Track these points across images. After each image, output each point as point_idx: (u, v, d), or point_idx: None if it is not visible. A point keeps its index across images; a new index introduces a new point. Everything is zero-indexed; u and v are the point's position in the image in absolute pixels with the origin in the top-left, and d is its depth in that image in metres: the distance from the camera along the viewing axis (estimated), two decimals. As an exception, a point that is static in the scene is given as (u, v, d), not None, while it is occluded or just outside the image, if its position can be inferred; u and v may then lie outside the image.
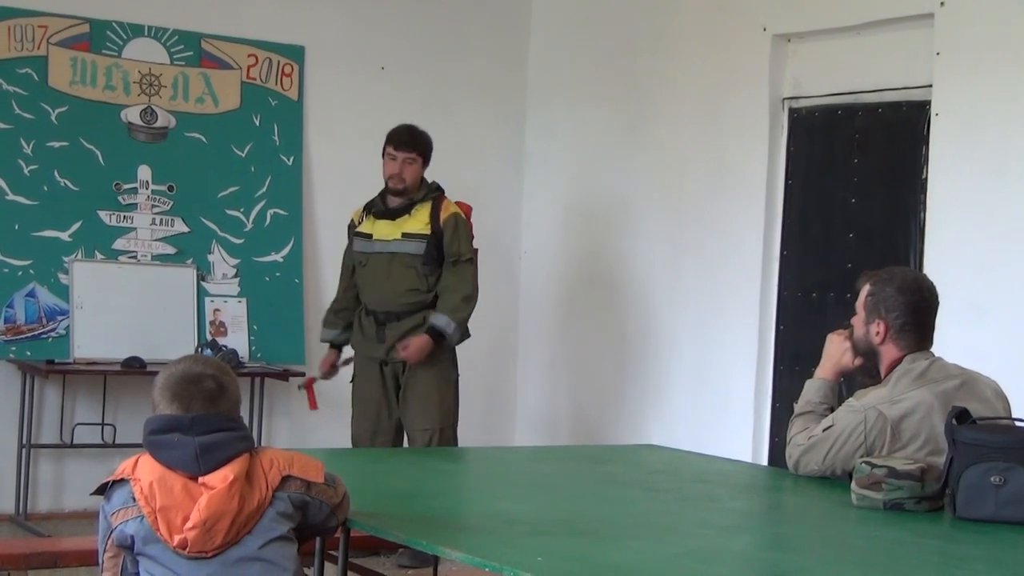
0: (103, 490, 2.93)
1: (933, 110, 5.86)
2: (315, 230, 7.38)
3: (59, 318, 6.67)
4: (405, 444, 6.24)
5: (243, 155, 7.22)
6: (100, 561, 2.98)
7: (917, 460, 3.55)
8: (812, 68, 6.53)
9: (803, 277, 6.53)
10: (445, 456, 4.89)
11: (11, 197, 6.68)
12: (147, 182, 6.99)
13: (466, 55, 7.86)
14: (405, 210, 6.17)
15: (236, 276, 7.15)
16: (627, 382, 7.34)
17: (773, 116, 6.62)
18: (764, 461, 6.45)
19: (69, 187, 6.81)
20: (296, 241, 7.31)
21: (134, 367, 6.52)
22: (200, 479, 2.86)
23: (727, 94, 6.78)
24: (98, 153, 6.89)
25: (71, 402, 6.80)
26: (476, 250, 6.24)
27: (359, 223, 6.27)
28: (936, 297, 3.86)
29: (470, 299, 6.15)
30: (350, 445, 6.27)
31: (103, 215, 6.88)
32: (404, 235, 6.14)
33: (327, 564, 3.43)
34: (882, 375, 3.83)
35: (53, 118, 6.79)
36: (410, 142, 6.14)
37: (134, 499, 2.85)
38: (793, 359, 6.50)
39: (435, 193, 6.22)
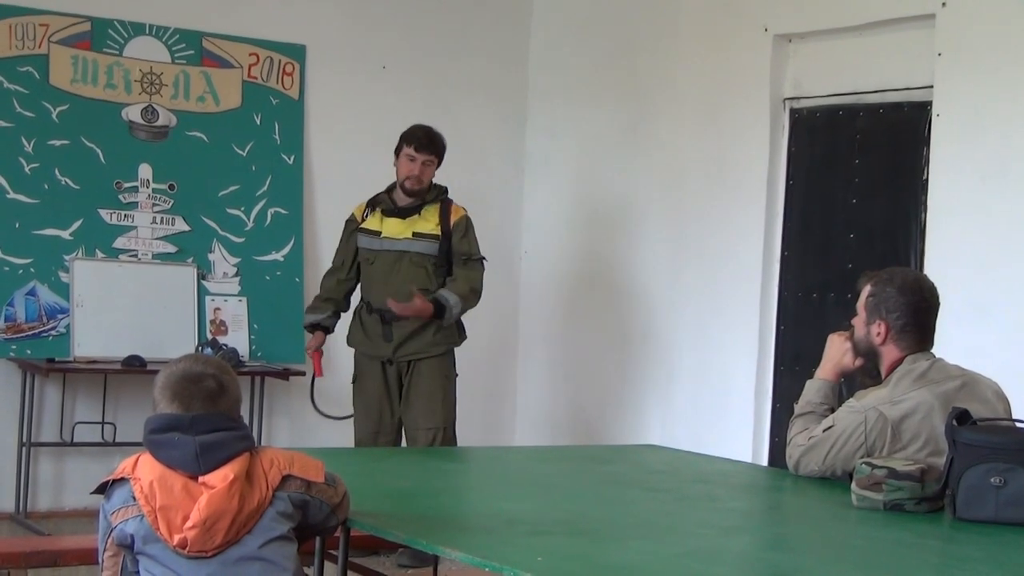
0: (103, 489, 2.93)
1: (934, 111, 5.85)
2: (316, 229, 7.38)
3: (59, 316, 6.67)
4: (403, 443, 6.25)
5: (244, 154, 7.22)
6: (100, 560, 2.98)
7: (917, 461, 3.55)
8: (813, 68, 6.53)
9: (803, 277, 6.53)
10: (445, 456, 4.90)
11: (12, 195, 6.68)
12: (148, 181, 6.99)
13: (467, 55, 7.86)
14: (415, 210, 6.18)
15: (237, 275, 7.15)
16: (627, 382, 7.35)
17: (774, 116, 6.62)
18: (764, 461, 6.45)
19: (70, 185, 6.81)
20: (297, 240, 7.31)
21: (134, 366, 6.52)
22: (200, 478, 2.85)
23: (728, 94, 6.78)
24: (99, 152, 6.89)
25: (71, 401, 6.80)
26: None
27: (363, 219, 6.27)
28: (937, 298, 3.86)
29: (477, 294, 6.19)
30: (350, 445, 6.27)
31: (104, 214, 6.88)
32: (415, 234, 6.15)
33: (327, 563, 3.43)
34: (883, 376, 3.83)
35: (54, 116, 6.79)
36: (431, 145, 6.17)
37: (134, 498, 2.85)
38: (793, 359, 6.50)
39: (443, 195, 6.24)
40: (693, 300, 6.96)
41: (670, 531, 3.25)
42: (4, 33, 6.69)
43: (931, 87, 5.89)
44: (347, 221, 6.37)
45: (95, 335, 6.64)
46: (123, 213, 6.93)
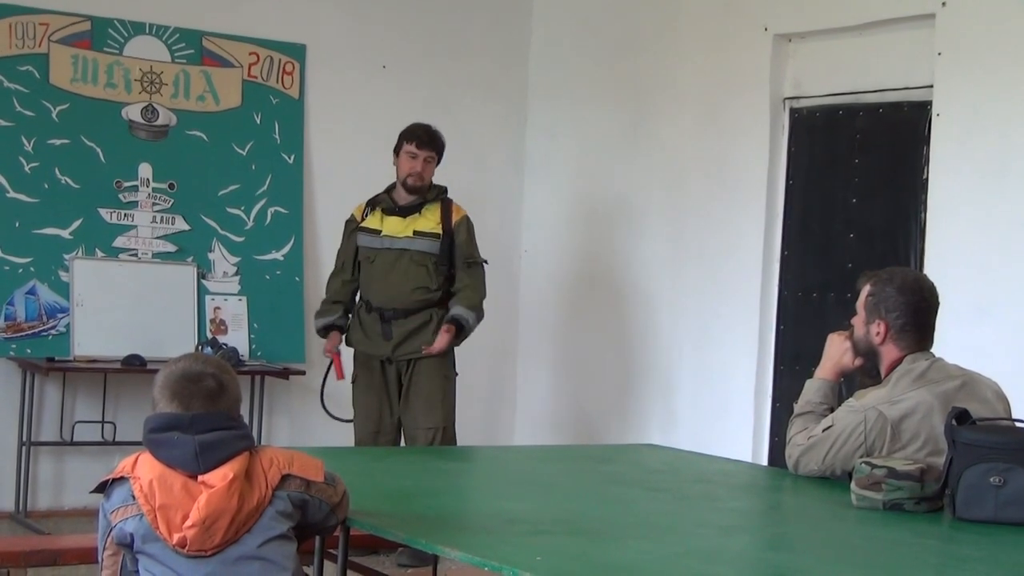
0: (103, 488, 2.93)
1: (934, 110, 5.85)
2: (316, 228, 7.38)
3: (59, 316, 6.67)
4: (403, 443, 6.25)
5: (244, 153, 7.22)
6: (100, 559, 2.98)
7: (917, 461, 3.55)
8: (813, 68, 6.53)
9: (803, 277, 6.53)
10: (445, 455, 4.89)
11: (12, 195, 6.68)
12: (148, 180, 6.99)
13: (467, 54, 7.86)
14: (415, 208, 6.19)
15: (236, 274, 7.15)
16: (627, 382, 7.35)
17: (774, 116, 6.62)
18: (764, 461, 6.45)
19: (70, 185, 6.81)
20: (297, 239, 7.31)
21: (134, 365, 6.52)
22: (200, 478, 2.85)
23: (728, 94, 6.78)
24: (99, 151, 6.89)
25: (71, 400, 6.80)
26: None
27: (362, 219, 6.27)
28: (936, 297, 3.86)
29: (483, 302, 6.23)
30: (350, 444, 6.26)
31: (104, 213, 6.88)
32: (416, 233, 6.16)
33: (327, 563, 3.43)
34: (882, 375, 3.83)
35: (54, 116, 6.79)
36: (431, 142, 6.18)
37: (134, 497, 2.85)
38: (793, 359, 6.50)
39: (443, 194, 6.25)
40: (693, 300, 6.96)
41: (670, 531, 3.25)
42: (4, 32, 6.69)
43: (931, 87, 5.89)
44: (347, 222, 6.37)
45: (95, 334, 6.64)
46: (123, 212, 6.93)
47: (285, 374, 6.98)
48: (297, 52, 7.39)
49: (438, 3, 7.78)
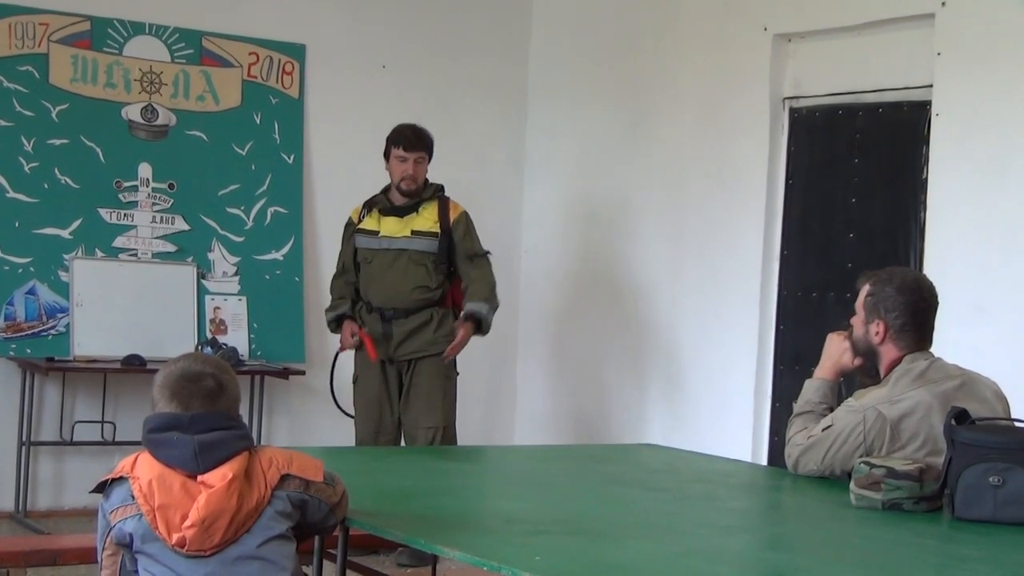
0: (102, 488, 2.93)
1: (934, 110, 5.85)
2: (315, 228, 7.38)
3: (59, 316, 6.67)
4: (402, 442, 6.25)
5: (244, 153, 7.22)
6: (99, 559, 2.98)
7: (916, 460, 3.55)
8: (813, 68, 6.53)
9: (803, 277, 6.53)
10: (444, 455, 4.89)
11: (12, 195, 6.68)
12: (148, 180, 6.99)
13: (467, 54, 7.85)
14: (412, 208, 6.19)
15: (236, 274, 7.15)
16: (627, 381, 7.35)
17: (774, 116, 6.62)
18: (764, 461, 6.45)
19: (70, 185, 6.81)
20: (296, 239, 7.31)
21: (134, 365, 6.52)
22: (199, 477, 2.85)
23: (728, 94, 6.78)
24: (99, 151, 6.89)
25: (71, 400, 6.80)
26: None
27: (360, 220, 6.27)
28: (936, 297, 3.86)
29: (495, 290, 6.22)
30: (350, 444, 6.27)
31: (103, 213, 6.88)
32: (414, 232, 6.16)
33: (326, 563, 3.43)
34: (881, 375, 3.83)
35: (54, 116, 6.79)
36: (419, 142, 6.17)
37: (133, 497, 2.85)
38: (793, 359, 6.50)
39: (440, 192, 6.25)
40: (693, 299, 6.96)
41: (669, 531, 3.25)
42: (4, 32, 6.69)
43: (930, 86, 5.89)
44: (345, 225, 6.38)
45: (95, 334, 6.64)
46: (123, 212, 6.93)
47: (285, 374, 6.98)
48: (297, 52, 7.39)
49: (438, 3, 7.78)
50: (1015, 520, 3.31)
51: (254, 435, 6.25)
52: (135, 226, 6.95)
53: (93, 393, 6.78)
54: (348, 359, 6.39)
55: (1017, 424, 3.56)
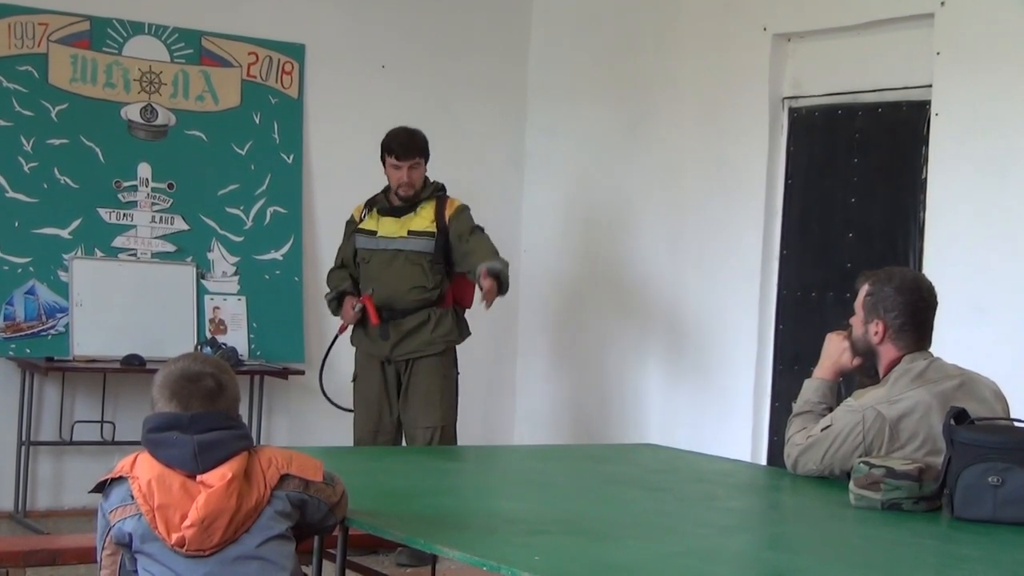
0: (102, 488, 2.93)
1: (933, 110, 5.86)
2: (315, 228, 7.38)
3: (59, 315, 6.67)
4: (403, 442, 6.25)
5: (243, 153, 7.22)
6: (98, 559, 2.98)
7: (915, 460, 3.55)
8: (812, 68, 6.53)
9: (803, 277, 6.53)
10: (444, 455, 4.90)
11: (11, 194, 6.68)
12: (147, 180, 6.99)
13: (467, 53, 7.85)
14: (410, 208, 6.19)
15: (236, 274, 7.15)
16: (626, 381, 7.35)
17: (773, 116, 6.62)
18: (763, 460, 6.45)
19: (69, 184, 6.81)
20: (296, 239, 7.31)
21: (133, 365, 6.52)
22: (198, 477, 2.85)
23: (727, 93, 6.79)
24: (98, 151, 6.89)
25: (70, 400, 6.80)
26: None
27: (360, 220, 6.27)
28: (935, 297, 3.86)
29: (499, 253, 6.07)
30: (349, 443, 6.27)
31: (103, 213, 6.88)
32: (410, 232, 6.16)
33: (325, 563, 3.43)
34: (881, 375, 3.83)
35: (53, 115, 6.79)
36: (412, 149, 6.15)
37: (132, 497, 2.85)
38: (793, 358, 6.50)
39: (439, 192, 6.24)
40: (692, 299, 6.96)
41: (669, 530, 3.25)
42: (3, 32, 6.69)
43: (930, 86, 5.89)
44: (347, 222, 6.38)
45: (94, 334, 6.64)
46: (122, 212, 6.93)
47: (284, 374, 6.98)
48: (296, 52, 7.39)
49: (438, 3, 7.78)
50: (1014, 520, 3.31)
51: (253, 435, 6.25)
52: (134, 226, 6.95)
53: (92, 393, 6.78)
54: (346, 359, 6.39)
55: (1016, 424, 3.57)
